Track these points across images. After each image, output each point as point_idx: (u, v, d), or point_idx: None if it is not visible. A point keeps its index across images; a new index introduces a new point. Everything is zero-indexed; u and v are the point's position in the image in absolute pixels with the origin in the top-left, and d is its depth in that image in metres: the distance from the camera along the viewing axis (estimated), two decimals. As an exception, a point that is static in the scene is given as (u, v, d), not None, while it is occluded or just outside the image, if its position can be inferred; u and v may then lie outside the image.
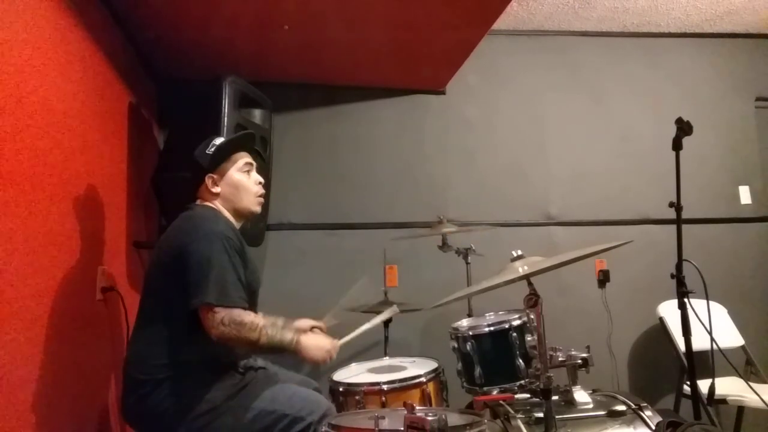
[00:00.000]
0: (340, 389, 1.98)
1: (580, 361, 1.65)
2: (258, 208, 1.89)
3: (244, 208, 1.85)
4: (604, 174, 3.32)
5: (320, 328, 2.03)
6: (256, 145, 2.59)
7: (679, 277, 1.95)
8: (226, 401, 1.61)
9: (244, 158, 1.87)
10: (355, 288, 2.14)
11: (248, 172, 1.87)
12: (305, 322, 2.02)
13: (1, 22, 1.47)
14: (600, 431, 1.52)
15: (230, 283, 1.60)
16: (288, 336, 1.66)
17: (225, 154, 1.83)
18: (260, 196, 1.89)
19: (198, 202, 1.83)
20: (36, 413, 1.54)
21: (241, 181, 1.84)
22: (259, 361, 1.90)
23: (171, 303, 1.62)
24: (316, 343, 1.73)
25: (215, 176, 1.81)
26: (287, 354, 1.69)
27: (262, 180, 1.90)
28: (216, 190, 1.81)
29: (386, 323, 2.52)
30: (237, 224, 1.84)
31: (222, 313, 1.56)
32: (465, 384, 2.03)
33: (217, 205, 1.82)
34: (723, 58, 3.56)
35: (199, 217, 1.73)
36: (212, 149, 1.82)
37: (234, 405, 1.61)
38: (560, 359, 1.65)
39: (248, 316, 1.60)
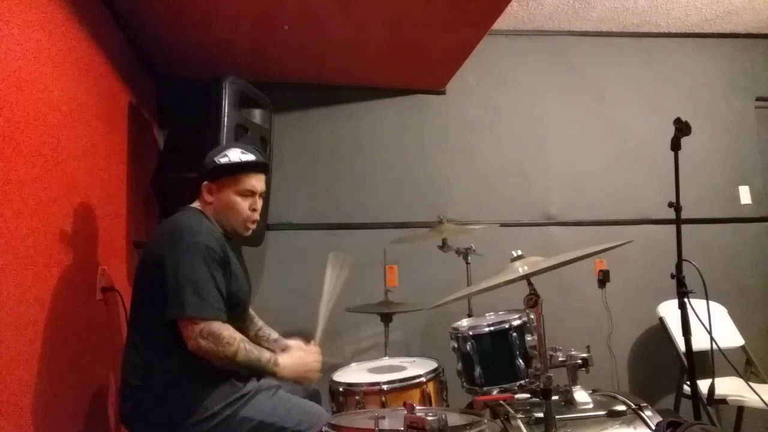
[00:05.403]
0: (340, 389, 1.98)
1: (580, 361, 1.66)
2: (246, 233, 1.82)
3: (229, 226, 1.79)
4: (604, 174, 3.32)
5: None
6: (256, 146, 2.59)
7: (679, 277, 1.95)
8: (224, 409, 1.59)
9: (248, 184, 1.78)
10: (327, 282, 2.05)
11: (247, 196, 1.79)
12: (294, 343, 1.93)
13: (1, 22, 1.47)
14: (600, 431, 1.52)
15: (209, 295, 1.58)
16: (266, 354, 1.64)
17: (230, 172, 1.76)
18: (252, 221, 1.82)
19: (194, 203, 1.81)
20: (35, 413, 1.54)
21: (234, 203, 1.76)
22: None
23: (158, 309, 1.59)
24: (296, 361, 1.70)
25: (213, 187, 1.77)
26: (266, 374, 1.68)
27: (258, 207, 1.82)
28: (208, 199, 1.78)
29: (386, 322, 2.52)
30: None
31: (201, 325, 1.55)
32: (465, 384, 2.03)
33: (207, 211, 1.78)
34: (723, 58, 3.56)
35: (182, 224, 1.69)
36: (222, 160, 1.76)
37: (232, 414, 1.60)
38: (560, 359, 1.65)
39: (226, 330, 1.58)
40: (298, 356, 1.77)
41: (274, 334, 2.05)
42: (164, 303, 1.57)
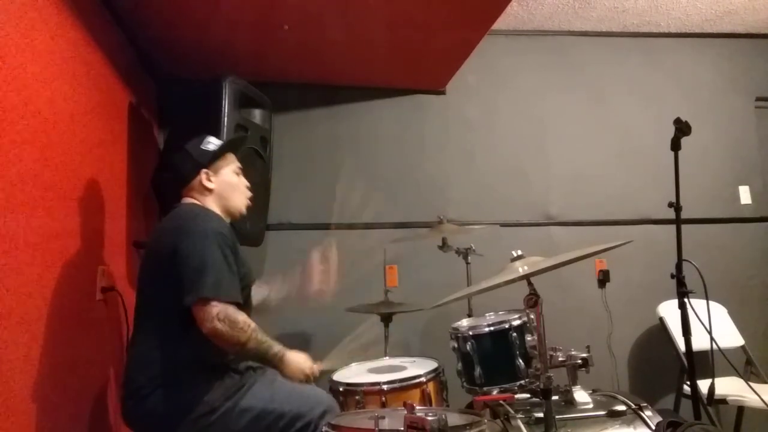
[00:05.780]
0: (340, 389, 1.98)
1: (580, 361, 1.66)
2: (245, 210, 1.91)
3: (235, 207, 1.87)
4: (604, 174, 3.32)
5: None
6: (256, 146, 2.59)
7: (679, 277, 1.95)
8: (225, 402, 1.60)
9: (236, 161, 1.92)
10: (360, 332, 2.06)
11: (239, 175, 1.91)
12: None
13: (1, 23, 1.47)
14: (600, 431, 1.53)
15: (226, 278, 1.60)
16: (274, 348, 1.64)
17: (221, 153, 1.85)
18: (249, 198, 1.93)
19: (184, 199, 1.82)
20: (35, 413, 1.54)
21: (236, 182, 1.88)
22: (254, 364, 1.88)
23: (167, 303, 1.60)
24: (298, 363, 1.70)
25: (210, 172, 1.82)
26: (269, 365, 1.68)
27: (249, 184, 1.94)
28: (210, 185, 1.81)
29: (386, 322, 2.52)
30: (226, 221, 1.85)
31: (218, 308, 1.55)
32: (465, 384, 2.03)
33: (206, 202, 1.81)
34: (723, 58, 3.56)
35: (191, 215, 1.72)
36: (210, 146, 1.83)
37: (233, 406, 1.61)
38: (560, 359, 1.65)
39: (241, 316, 1.59)
40: (301, 360, 1.73)
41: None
42: (179, 291, 1.57)
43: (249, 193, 1.93)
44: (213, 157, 1.82)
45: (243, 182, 1.91)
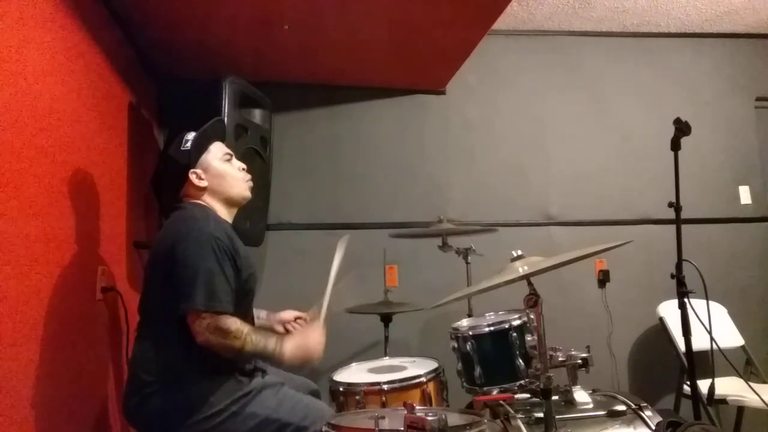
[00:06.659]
0: (340, 389, 1.98)
1: (580, 361, 1.66)
2: (249, 193, 1.86)
3: (236, 195, 1.83)
4: (604, 174, 3.32)
5: (304, 318, 2.04)
6: (256, 146, 2.59)
7: (679, 277, 1.95)
8: (230, 405, 1.59)
9: (222, 148, 1.85)
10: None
11: (229, 160, 1.84)
12: (288, 314, 2.05)
13: (1, 22, 1.47)
14: (600, 431, 1.53)
15: (218, 288, 1.58)
16: (271, 343, 1.64)
17: (202, 147, 1.80)
18: (248, 181, 1.87)
19: (185, 200, 1.80)
20: (35, 413, 1.54)
21: (226, 170, 1.81)
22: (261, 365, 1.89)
23: (170, 305, 1.59)
24: (300, 343, 1.68)
25: (198, 170, 1.78)
26: (272, 360, 1.68)
27: (244, 166, 1.88)
28: (202, 184, 1.78)
29: (386, 322, 2.52)
30: (230, 215, 1.83)
31: (208, 320, 1.55)
32: (465, 384, 2.03)
33: (207, 200, 1.79)
34: (723, 58, 3.56)
35: (190, 218, 1.70)
36: (188, 144, 1.78)
37: (237, 410, 1.60)
38: (560, 359, 1.65)
39: (234, 324, 1.58)
40: (301, 338, 1.73)
41: (262, 313, 2.06)
42: (175, 296, 1.57)
43: (246, 176, 1.86)
44: (194, 154, 1.78)
45: (235, 166, 1.84)
